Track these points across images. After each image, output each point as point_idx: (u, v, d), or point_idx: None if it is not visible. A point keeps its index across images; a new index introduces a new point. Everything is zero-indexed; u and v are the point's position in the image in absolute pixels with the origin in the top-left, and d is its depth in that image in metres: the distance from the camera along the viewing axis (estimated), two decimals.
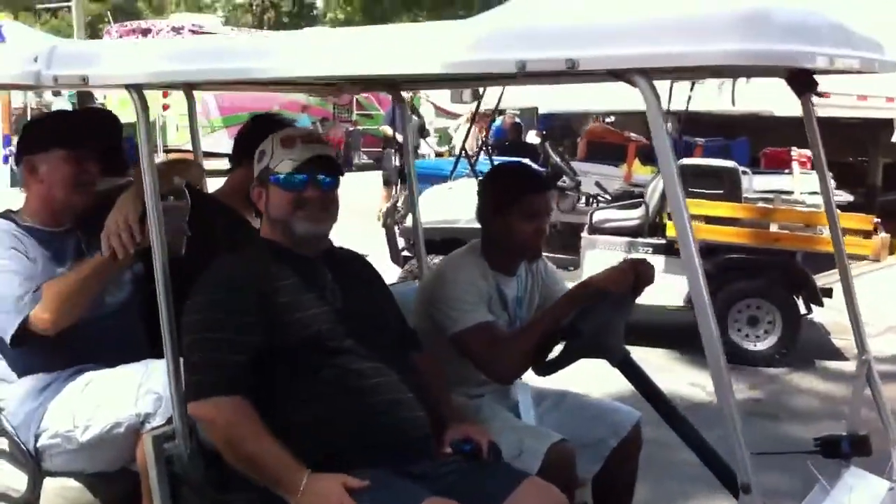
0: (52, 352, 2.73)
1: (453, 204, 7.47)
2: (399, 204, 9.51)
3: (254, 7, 32.41)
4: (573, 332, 2.63)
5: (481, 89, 8.15)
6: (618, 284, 2.73)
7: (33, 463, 2.68)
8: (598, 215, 7.94)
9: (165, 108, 20.42)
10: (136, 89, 2.43)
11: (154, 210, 2.42)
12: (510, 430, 2.83)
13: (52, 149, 2.84)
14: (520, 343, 2.80)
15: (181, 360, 2.43)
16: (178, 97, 21.30)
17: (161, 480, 2.42)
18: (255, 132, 3.06)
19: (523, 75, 1.83)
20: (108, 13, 29.06)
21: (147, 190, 2.42)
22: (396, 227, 8.80)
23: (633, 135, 13.80)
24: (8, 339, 2.67)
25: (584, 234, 7.64)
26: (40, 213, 2.86)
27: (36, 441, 2.68)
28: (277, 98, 19.57)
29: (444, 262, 3.12)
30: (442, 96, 20.89)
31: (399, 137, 12.47)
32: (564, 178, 9.06)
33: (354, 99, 21.31)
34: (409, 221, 8.94)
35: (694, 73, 2.33)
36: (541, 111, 15.49)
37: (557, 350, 2.73)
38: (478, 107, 9.38)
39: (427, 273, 3.19)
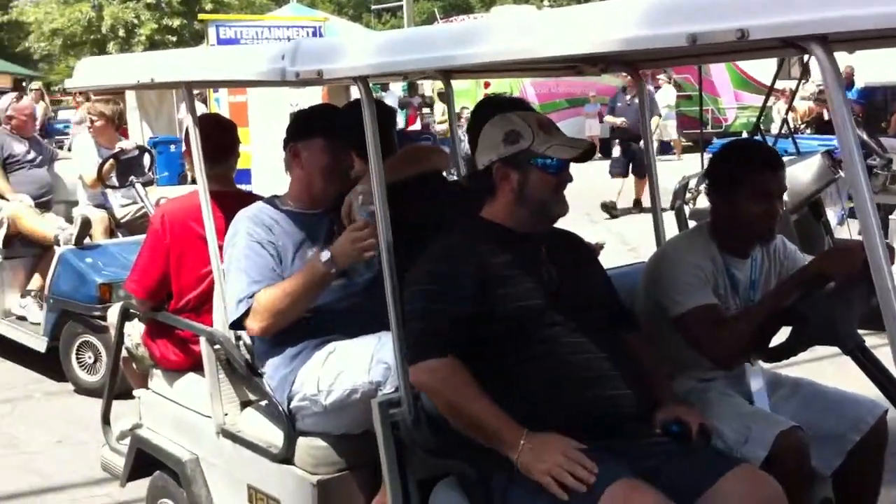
0: (302, 324, 3.00)
1: None
2: (691, 184, 9.25)
3: None
4: (799, 317, 2.50)
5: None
6: (843, 266, 2.54)
7: (288, 422, 2.97)
8: None
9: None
10: (362, 81, 2.56)
11: (379, 193, 2.56)
12: (737, 415, 2.75)
13: (314, 137, 3.07)
14: (740, 326, 2.70)
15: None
16: (498, 88, 21.99)
17: (387, 444, 2.59)
18: (483, 119, 3.06)
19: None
20: (437, 10, 30.54)
21: (372, 174, 2.57)
22: (686, 208, 8.58)
23: None
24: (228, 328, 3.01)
25: (894, 217, 7.02)
26: (300, 197, 3.13)
27: (289, 403, 2.96)
28: (593, 84, 19.60)
29: (669, 242, 3.06)
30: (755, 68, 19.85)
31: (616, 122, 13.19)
32: (875, 156, 8.38)
33: (673, 80, 20.71)
34: (702, 202, 8.74)
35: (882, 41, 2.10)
36: (859, 84, 14.35)
37: (785, 335, 2.60)
38: (773, 81, 8.88)
39: (652, 254, 3.12)
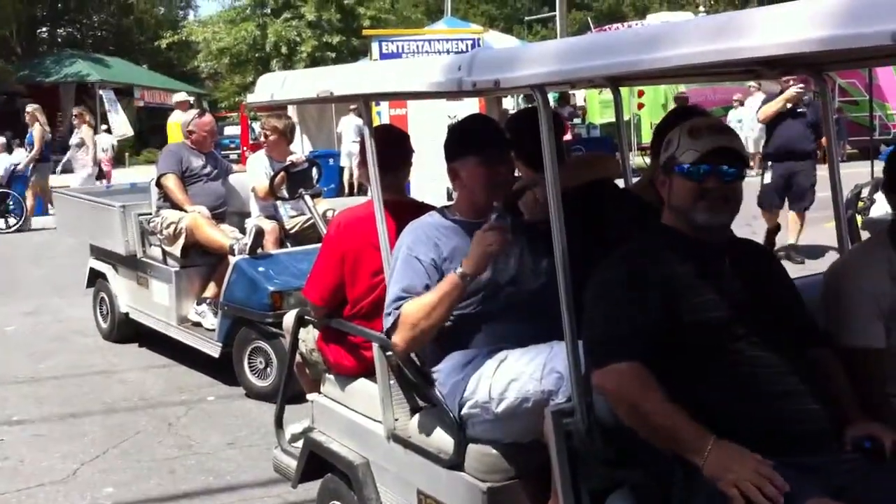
0: (478, 331, 3.06)
1: None
2: (863, 193, 8.83)
3: (736, 0, 31.89)
4: None
5: None
6: None
7: (458, 429, 3.00)
8: None
9: (640, 106, 21.02)
10: (539, 89, 2.57)
11: (554, 200, 2.55)
12: None
13: (466, 156, 3.14)
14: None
15: (580, 341, 2.57)
16: (652, 96, 21.59)
17: (560, 453, 2.57)
18: (668, 125, 3.07)
19: None
20: (590, 19, 30.40)
21: (548, 182, 2.55)
22: (858, 218, 8.20)
23: None
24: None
25: None
26: (467, 209, 3.21)
27: (460, 410, 3.00)
28: (744, 89, 19.07)
29: (846, 260, 2.94)
30: None
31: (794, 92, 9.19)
32: None
33: (836, 84, 19.88)
34: (875, 211, 8.28)
35: None
36: None
37: None
38: None
39: (832, 265, 2.99)
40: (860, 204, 8.33)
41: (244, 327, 6.43)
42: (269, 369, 6.36)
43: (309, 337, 3.97)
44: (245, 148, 18.95)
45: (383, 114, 11.07)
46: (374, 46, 11.90)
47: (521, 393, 2.84)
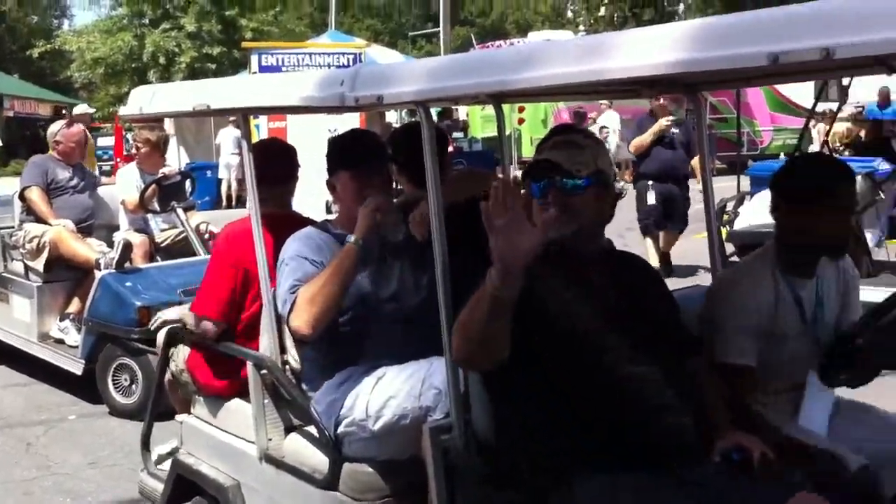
0: (356, 348, 3.00)
1: None
2: (728, 207, 9.13)
3: (615, 19, 32.81)
4: (868, 346, 2.42)
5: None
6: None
7: (334, 448, 2.93)
8: None
9: (520, 122, 21.27)
10: (423, 105, 2.55)
11: (437, 217, 2.53)
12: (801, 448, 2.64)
13: (338, 171, 3.16)
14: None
15: None
16: (532, 112, 21.86)
17: (437, 470, 2.54)
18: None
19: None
20: (473, 36, 30.80)
21: (430, 198, 2.54)
22: (724, 230, 8.46)
23: None
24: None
25: None
26: (346, 223, 3.14)
27: (336, 428, 2.93)
28: (628, 107, 19.53)
29: (731, 271, 3.00)
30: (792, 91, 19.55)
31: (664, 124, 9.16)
32: None
33: (707, 101, 20.60)
34: (739, 224, 8.61)
35: None
36: None
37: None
38: (815, 104, 8.80)
39: (715, 279, 3.06)
40: (725, 217, 8.61)
41: (109, 344, 6.24)
42: (134, 386, 6.19)
43: (179, 357, 3.81)
44: (118, 159, 18.45)
45: (262, 127, 10.86)
46: (254, 59, 11.67)
47: (399, 410, 2.80)
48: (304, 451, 3.09)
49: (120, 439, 5.73)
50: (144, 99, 3.66)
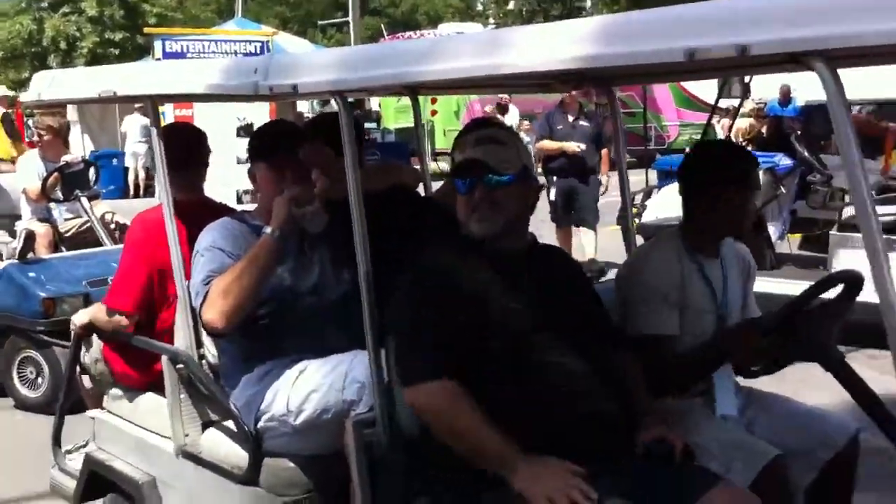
0: (275, 342, 2.94)
1: None
2: (636, 200, 9.31)
3: (524, 13, 33.04)
4: (783, 334, 2.50)
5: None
6: (740, 348, 2.67)
7: (254, 443, 2.88)
8: (850, 211, 7.42)
9: (433, 113, 21.19)
10: (340, 95, 2.52)
11: (357, 208, 2.51)
12: (720, 442, 2.68)
13: (257, 161, 3.11)
14: (685, 371, 2.78)
15: (382, 350, 2.52)
16: (444, 103, 21.75)
17: (361, 465, 2.52)
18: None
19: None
20: (383, 27, 30.64)
21: (351, 189, 2.52)
22: (634, 222, 8.61)
23: (892, 125, 12.74)
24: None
25: (834, 232, 7.18)
26: (265, 215, 3.05)
27: (256, 423, 2.88)
28: (542, 101, 19.55)
29: (636, 256, 3.06)
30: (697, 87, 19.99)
31: (573, 148, 9.24)
32: (815, 172, 8.58)
33: (616, 96, 20.84)
34: (647, 217, 8.81)
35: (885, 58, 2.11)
36: (800, 102, 14.70)
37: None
38: (717, 99, 9.06)
39: (623, 265, 3.11)
40: (634, 210, 8.78)
41: (13, 336, 6.13)
42: (40, 380, 6.08)
43: (94, 347, 3.69)
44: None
45: (168, 114, 10.59)
46: (157, 45, 11.36)
47: (321, 404, 2.77)
48: (223, 447, 3.04)
49: (27, 434, 5.58)
50: (46, 84, 3.55)
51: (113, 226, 6.81)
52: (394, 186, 3.23)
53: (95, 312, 3.58)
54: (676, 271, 2.89)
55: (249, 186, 3.54)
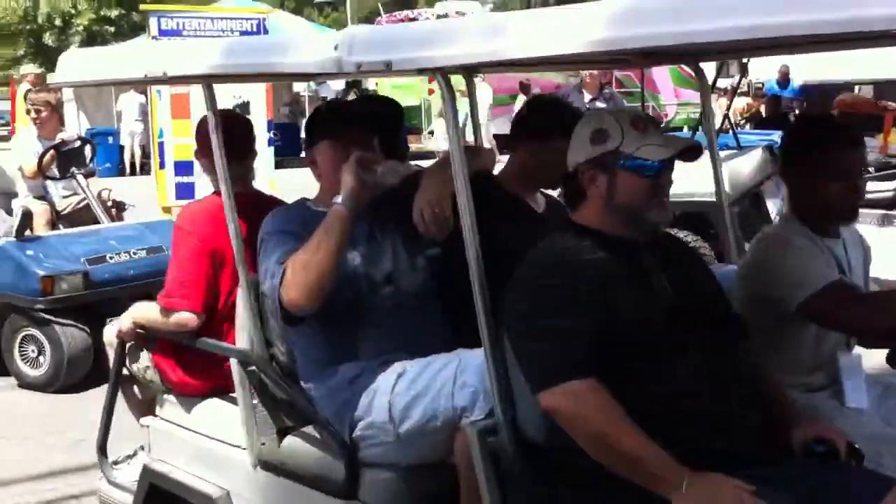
0: (353, 341, 2.68)
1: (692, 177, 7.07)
2: None
3: None
4: None
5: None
6: None
7: (349, 453, 2.61)
8: None
9: (431, 92, 20.64)
10: (442, 73, 2.30)
11: (465, 194, 2.29)
12: (863, 436, 2.43)
13: (318, 142, 2.84)
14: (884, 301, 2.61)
15: (507, 351, 2.28)
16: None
17: (489, 476, 2.28)
18: (533, 114, 3.10)
19: None
20: (381, 5, 30.13)
21: (457, 174, 2.30)
22: None
23: (890, 104, 12.64)
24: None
25: None
26: (328, 200, 2.73)
27: (351, 432, 2.61)
28: (536, 80, 19.20)
29: (761, 241, 2.83)
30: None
31: None
32: None
33: (614, 77, 20.75)
34: None
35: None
36: (798, 82, 14.66)
37: None
38: (715, 79, 8.83)
39: (744, 258, 2.89)
40: None
41: (13, 314, 6.11)
42: (41, 357, 6.02)
43: (142, 354, 3.37)
44: (16, 123, 17.59)
45: (164, 92, 10.14)
46: (153, 21, 10.87)
47: (429, 411, 2.49)
48: (308, 457, 2.75)
49: (30, 412, 5.61)
50: (78, 64, 3.27)
51: (110, 203, 6.84)
52: (477, 173, 2.89)
53: (147, 314, 3.28)
54: (815, 247, 2.72)
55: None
